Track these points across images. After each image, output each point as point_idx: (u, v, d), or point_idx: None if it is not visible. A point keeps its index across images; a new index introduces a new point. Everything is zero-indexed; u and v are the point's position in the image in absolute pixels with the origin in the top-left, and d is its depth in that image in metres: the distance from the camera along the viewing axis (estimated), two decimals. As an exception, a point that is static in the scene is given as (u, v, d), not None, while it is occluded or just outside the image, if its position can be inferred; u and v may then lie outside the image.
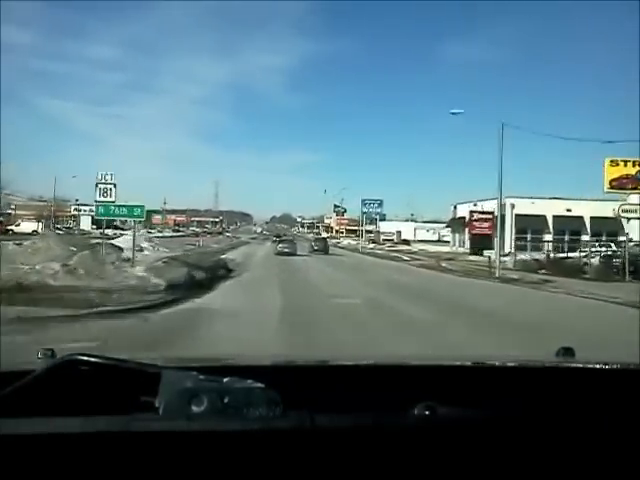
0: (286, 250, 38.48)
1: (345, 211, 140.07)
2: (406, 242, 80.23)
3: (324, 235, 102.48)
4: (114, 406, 1.00)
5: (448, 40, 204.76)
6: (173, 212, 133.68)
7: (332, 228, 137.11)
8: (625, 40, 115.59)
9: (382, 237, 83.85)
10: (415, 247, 65.44)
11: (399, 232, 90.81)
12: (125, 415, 0.97)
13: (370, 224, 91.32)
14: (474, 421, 1.07)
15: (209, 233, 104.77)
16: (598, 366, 1.46)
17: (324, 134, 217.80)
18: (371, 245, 63.93)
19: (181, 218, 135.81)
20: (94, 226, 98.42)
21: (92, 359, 1.03)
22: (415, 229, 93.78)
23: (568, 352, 1.62)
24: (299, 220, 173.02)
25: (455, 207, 61.04)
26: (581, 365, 1.55)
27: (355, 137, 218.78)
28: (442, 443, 0.98)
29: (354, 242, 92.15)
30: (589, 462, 0.99)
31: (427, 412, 1.07)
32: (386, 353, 6.60)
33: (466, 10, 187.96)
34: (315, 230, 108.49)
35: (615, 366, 1.48)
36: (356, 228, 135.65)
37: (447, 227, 68.16)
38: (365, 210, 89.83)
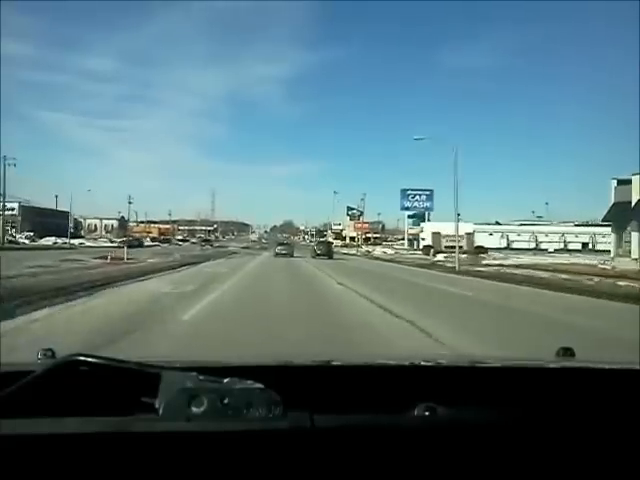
0: (284, 252, 44.54)
1: (362, 214, 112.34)
2: (482, 250, 53.23)
3: (337, 243, 74.85)
4: (114, 407, 1.00)
5: (447, 47, 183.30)
6: (167, 222, 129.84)
7: (343, 235, 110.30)
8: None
9: (443, 242, 56.20)
10: (507, 258, 38.42)
11: (469, 235, 61.44)
12: (125, 416, 0.97)
13: (416, 224, 64.04)
14: (474, 422, 1.06)
15: (183, 241, 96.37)
16: (598, 366, 1.47)
17: (324, 143, 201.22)
18: (439, 256, 36.45)
19: (166, 226, 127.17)
20: (31, 233, 71.47)
21: (92, 359, 1.02)
22: (474, 232, 65.95)
23: (568, 352, 1.59)
24: (302, 228, 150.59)
25: (627, 183, 32.57)
26: (581, 365, 1.54)
27: (356, 146, 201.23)
28: (442, 444, 0.98)
29: (391, 251, 64.93)
30: (590, 463, 0.99)
31: (427, 412, 1.09)
32: (386, 353, 5.76)
33: (466, 16, 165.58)
34: (322, 239, 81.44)
35: (615, 366, 1.47)
36: (370, 235, 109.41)
37: (605, 221, 38.86)
38: (408, 204, 62.08)
